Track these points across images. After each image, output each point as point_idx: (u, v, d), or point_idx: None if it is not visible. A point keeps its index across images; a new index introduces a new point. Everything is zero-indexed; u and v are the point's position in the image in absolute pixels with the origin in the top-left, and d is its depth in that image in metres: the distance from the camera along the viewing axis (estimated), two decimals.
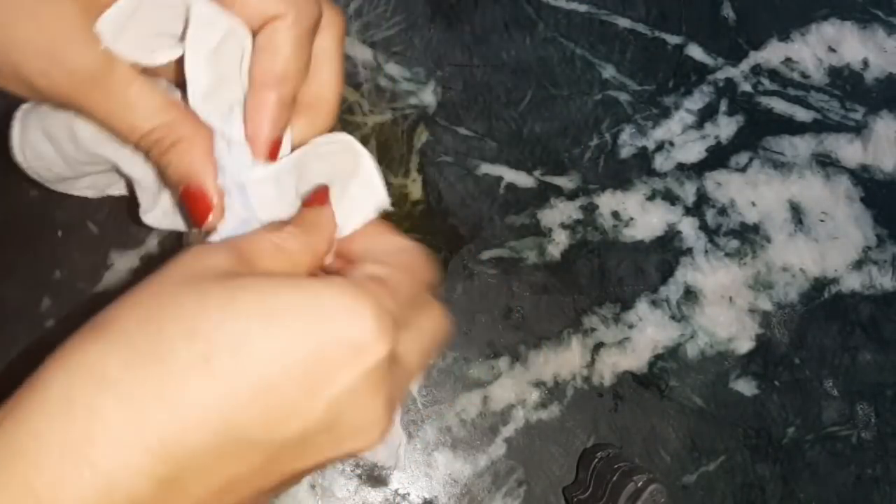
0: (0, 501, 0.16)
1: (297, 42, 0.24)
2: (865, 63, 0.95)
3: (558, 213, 0.84)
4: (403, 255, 0.25)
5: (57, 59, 0.21)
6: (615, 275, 0.84)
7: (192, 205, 0.24)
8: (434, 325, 0.25)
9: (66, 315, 0.68)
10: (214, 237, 0.25)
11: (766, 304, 0.86)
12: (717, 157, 0.89)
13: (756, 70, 0.92)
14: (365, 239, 0.27)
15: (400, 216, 0.80)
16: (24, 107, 0.26)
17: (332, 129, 0.28)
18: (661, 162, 0.87)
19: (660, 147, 0.88)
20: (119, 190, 0.31)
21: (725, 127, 0.90)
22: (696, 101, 0.90)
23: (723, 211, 0.88)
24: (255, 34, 0.24)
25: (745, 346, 0.85)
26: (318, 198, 0.27)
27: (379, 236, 0.27)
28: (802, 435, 0.84)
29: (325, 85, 0.27)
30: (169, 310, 0.19)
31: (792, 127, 0.92)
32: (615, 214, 0.85)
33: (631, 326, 0.82)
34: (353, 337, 0.20)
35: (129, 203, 0.28)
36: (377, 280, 0.22)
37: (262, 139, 0.26)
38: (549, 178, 0.84)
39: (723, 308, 0.85)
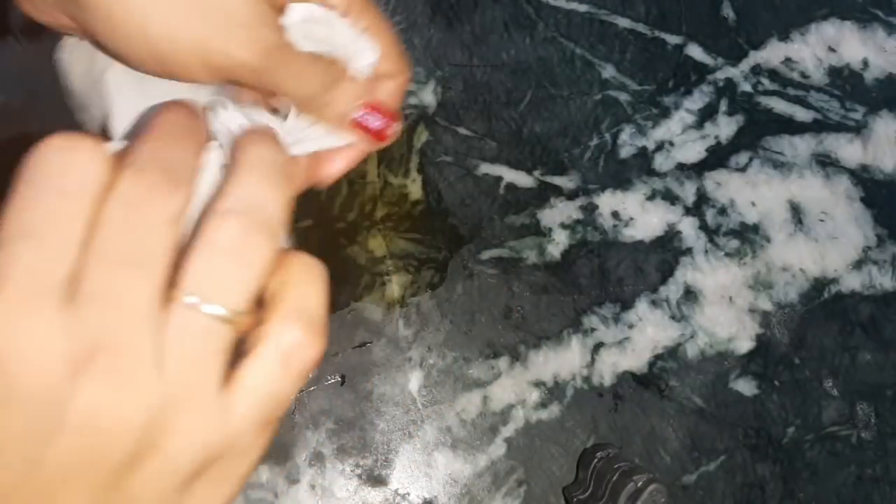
0: None
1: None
2: (865, 63, 0.95)
3: (558, 213, 0.84)
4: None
5: (234, 49, 0.24)
6: (615, 275, 0.84)
7: (380, 115, 0.28)
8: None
9: None
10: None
11: (766, 304, 0.86)
12: (717, 157, 0.89)
13: (756, 70, 0.92)
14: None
15: (400, 216, 0.80)
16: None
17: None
18: (661, 162, 0.87)
19: (660, 147, 0.88)
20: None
21: (725, 127, 0.90)
22: (696, 101, 0.90)
23: (723, 211, 0.88)
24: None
25: (745, 346, 0.85)
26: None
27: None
28: (802, 435, 0.84)
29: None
30: None
31: (792, 127, 0.92)
32: (615, 214, 0.85)
33: (631, 326, 0.82)
34: None
35: None
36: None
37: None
38: (548, 178, 0.84)
39: (723, 308, 0.85)
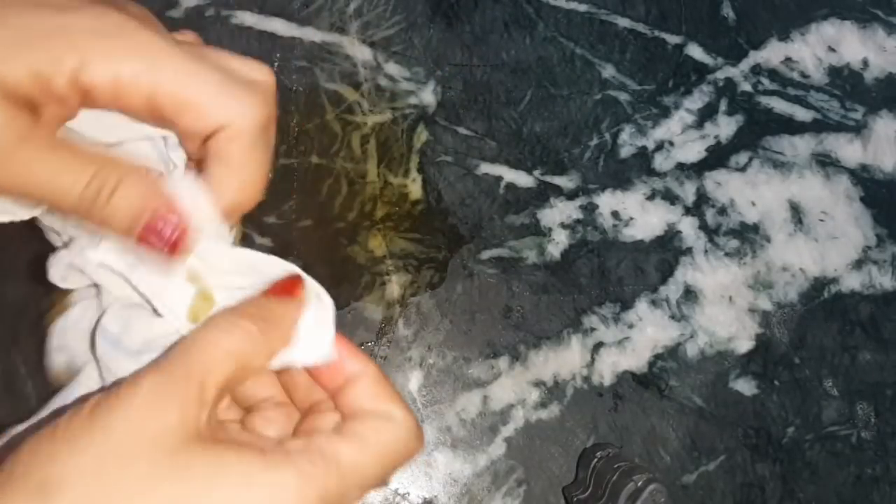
0: None
1: (245, 150, 0.24)
2: (865, 63, 0.95)
3: (558, 213, 0.84)
4: (386, 433, 0.24)
5: None
6: (615, 274, 0.84)
7: (161, 231, 0.23)
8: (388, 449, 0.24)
9: None
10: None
11: (765, 304, 0.86)
12: (717, 157, 0.89)
13: (756, 70, 0.92)
14: (360, 390, 0.25)
15: (400, 216, 0.80)
16: None
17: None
18: (660, 162, 0.87)
19: (660, 147, 0.88)
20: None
21: (725, 127, 0.90)
22: (695, 101, 0.90)
23: (723, 211, 0.88)
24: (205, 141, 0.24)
25: (744, 345, 0.85)
26: (287, 287, 0.25)
27: (375, 397, 0.25)
28: (802, 435, 0.84)
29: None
30: (114, 492, 0.18)
31: (792, 127, 0.92)
32: (615, 214, 0.85)
33: (631, 326, 0.82)
34: None
35: None
36: (336, 464, 0.21)
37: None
38: (548, 178, 0.84)
39: (723, 308, 0.85)
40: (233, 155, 0.24)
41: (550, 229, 0.83)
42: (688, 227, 0.86)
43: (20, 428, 0.25)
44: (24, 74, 0.21)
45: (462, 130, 0.83)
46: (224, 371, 0.21)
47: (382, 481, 0.23)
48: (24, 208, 0.25)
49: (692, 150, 0.89)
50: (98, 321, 0.26)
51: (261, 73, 0.24)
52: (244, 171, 0.24)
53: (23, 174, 0.21)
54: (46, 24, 0.21)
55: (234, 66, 0.24)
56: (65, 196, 0.22)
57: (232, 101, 0.23)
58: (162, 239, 0.23)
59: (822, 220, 0.90)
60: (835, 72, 0.94)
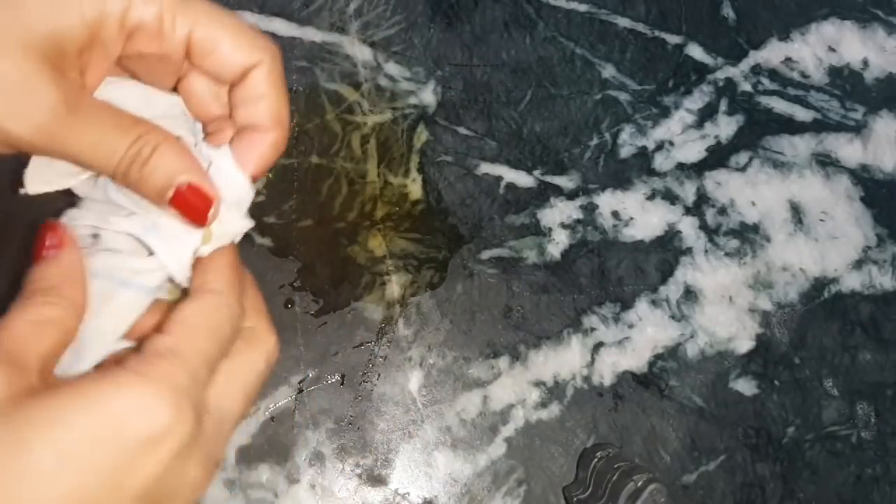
0: None
1: (277, 86, 0.25)
2: (865, 63, 0.95)
3: (558, 213, 0.84)
4: (200, 315, 0.24)
5: (10, 120, 0.21)
6: (615, 274, 0.84)
7: (191, 200, 0.24)
8: (250, 361, 0.25)
9: None
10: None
11: (765, 304, 0.86)
12: (717, 157, 0.89)
13: (756, 70, 0.92)
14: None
15: (400, 216, 0.80)
16: None
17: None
18: (660, 161, 0.87)
19: (660, 147, 0.88)
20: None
21: (725, 126, 0.90)
22: (695, 101, 0.90)
23: (723, 210, 0.88)
24: (234, 84, 0.25)
25: (745, 345, 0.85)
26: (46, 245, 0.25)
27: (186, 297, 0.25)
28: (802, 434, 0.84)
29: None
30: None
31: (792, 126, 0.92)
32: (615, 214, 0.85)
33: (631, 326, 0.82)
34: (151, 433, 0.20)
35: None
36: (166, 355, 0.22)
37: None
38: (549, 178, 0.84)
39: (723, 308, 0.85)
40: (272, 90, 0.25)
41: (550, 229, 0.83)
42: (688, 227, 0.86)
43: None
44: (78, 23, 0.21)
45: (462, 130, 0.83)
46: (38, 339, 0.22)
47: (223, 353, 0.24)
48: (63, 176, 0.26)
49: (692, 150, 0.89)
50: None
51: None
52: (284, 107, 0.25)
53: (74, 135, 0.22)
54: None
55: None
56: (109, 157, 0.23)
57: (261, 40, 0.25)
58: (191, 206, 0.24)
59: (822, 220, 0.90)
60: (835, 72, 0.94)
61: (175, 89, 0.27)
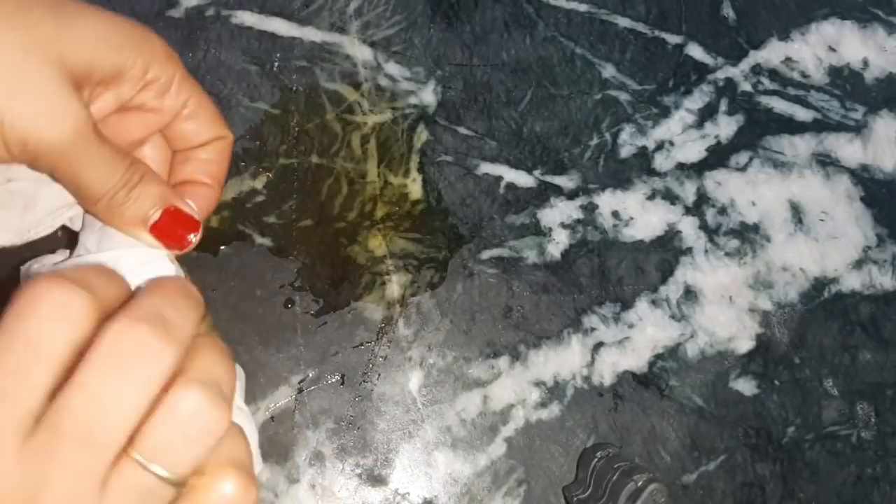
0: None
1: (229, 159, 0.30)
2: (865, 62, 0.95)
3: (558, 213, 0.84)
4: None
5: (39, 126, 0.22)
6: (615, 274, 0.84)
7: (176, 222, 0.26)
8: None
9: None
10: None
11: (766, 304, 0.86)
12: (717, 157, 0.89)
13: (756, 69, 0.92)
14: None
15: (400, 216, 0.80)
16: None
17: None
18: (660, 161, 0.87)
19: (660, 146, 0.88)
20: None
21: (725, 126, 0.90)
22: (696, 101, 0.90)
23: (723, 210, 0.88)
24: (196, 147, 0.30)
25: (745, 345, 0.85)
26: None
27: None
28: (802, 434, 0.84)
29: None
30: None
31: (792, 126, 0.92)
32: (615, 214, 0.85)
33: (631, 326, 0.82)
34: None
35: None
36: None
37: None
38: (549, 178, 0.84)
39: (723, 308, 0.85)
40: (225, 161, 0.30)
41: (550, 229, 0.83)
42: (688, 227, 0.86)
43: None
44: (112, 59, 0.24)
45: (462, 130, 0.83)
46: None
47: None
48: (55, 217, 0.29)
49: (692, 150, 0.89)
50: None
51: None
52: (225, 175, 0.31)
53: (92, 151, 0.24)
54: (129, 29, 0.25)
55: None
56: (109, 178, 0.25)
57: (225, 122, 0.31)
58: (171, 231, 0.26)
59: (822, 220, 0.90)
60: (835, 72, 0.94)
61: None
